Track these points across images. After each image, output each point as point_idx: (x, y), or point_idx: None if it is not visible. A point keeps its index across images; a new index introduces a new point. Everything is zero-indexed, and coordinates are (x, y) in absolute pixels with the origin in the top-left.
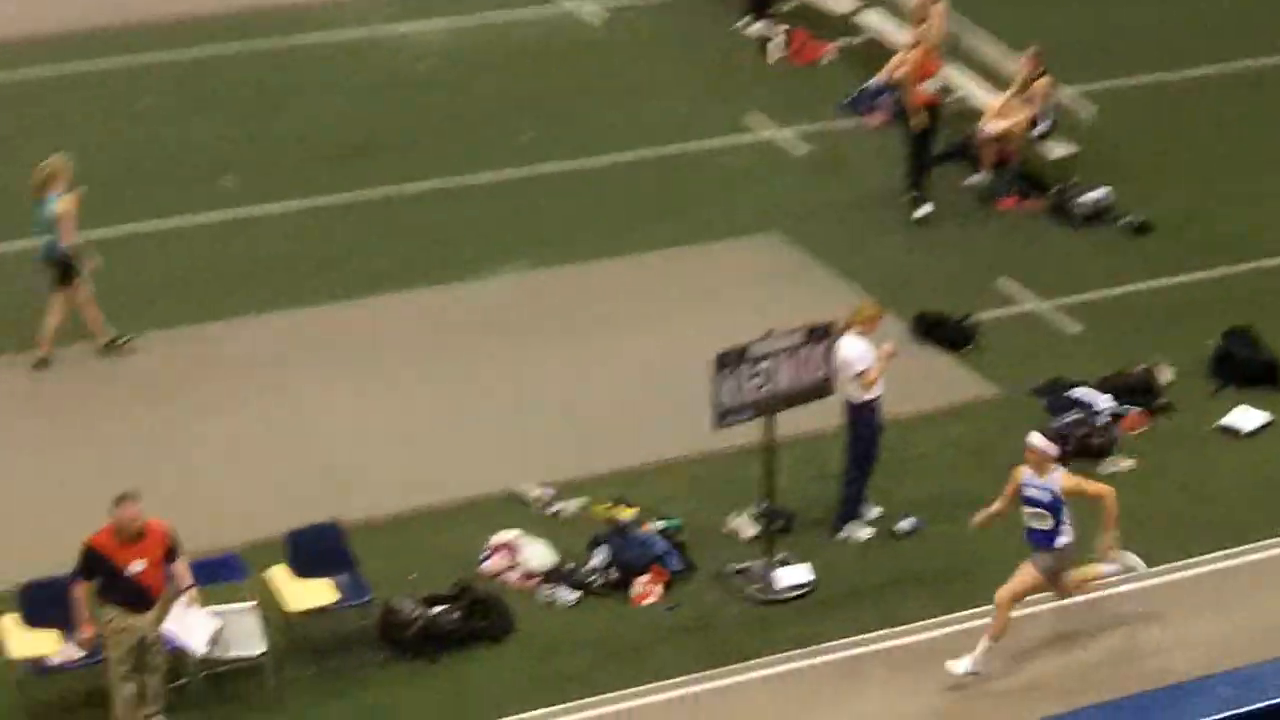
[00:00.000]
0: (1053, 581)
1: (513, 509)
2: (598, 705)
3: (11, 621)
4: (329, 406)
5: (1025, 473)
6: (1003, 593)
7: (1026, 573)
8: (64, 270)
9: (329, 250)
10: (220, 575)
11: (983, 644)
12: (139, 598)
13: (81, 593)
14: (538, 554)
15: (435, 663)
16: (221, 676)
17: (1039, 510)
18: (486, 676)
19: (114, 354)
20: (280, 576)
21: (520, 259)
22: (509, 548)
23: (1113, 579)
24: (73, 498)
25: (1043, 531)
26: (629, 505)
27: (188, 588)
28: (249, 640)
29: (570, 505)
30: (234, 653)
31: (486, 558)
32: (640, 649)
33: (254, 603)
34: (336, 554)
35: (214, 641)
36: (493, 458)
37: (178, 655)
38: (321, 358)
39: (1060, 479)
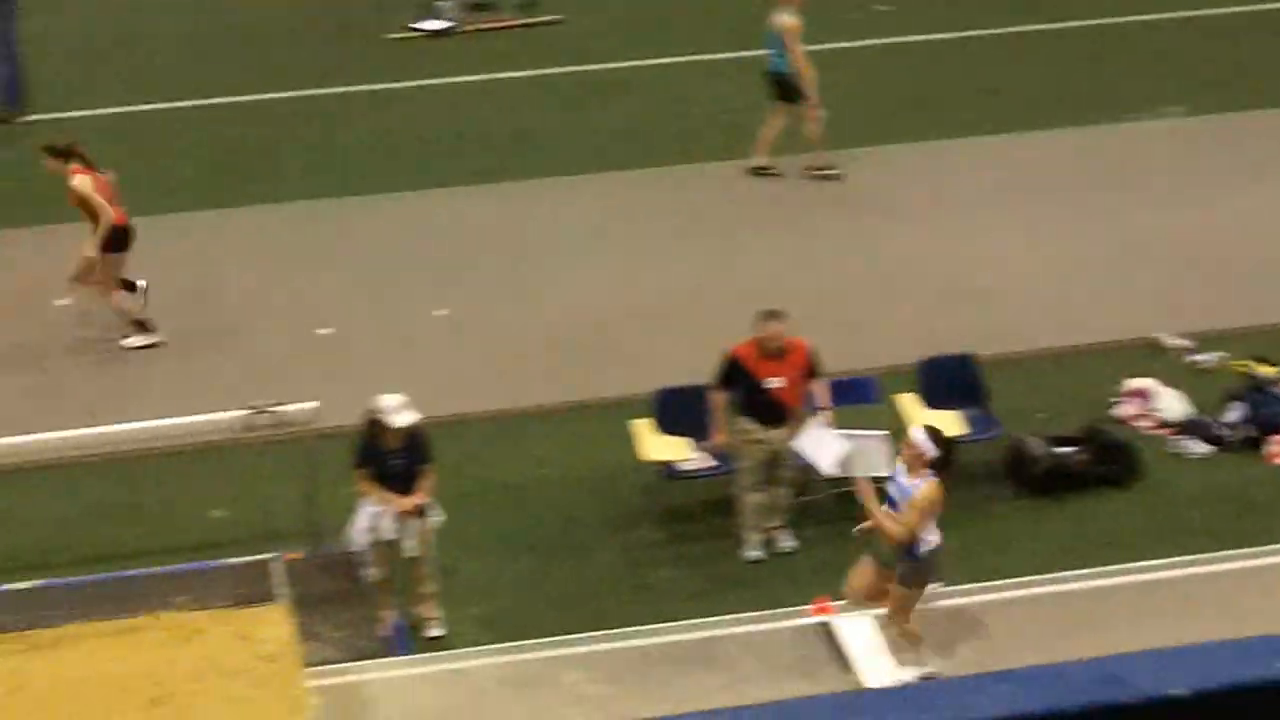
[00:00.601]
0: (905, 587)
1: (1149, 356)
2: (1225, 560)
3: (646, 426)
4: (976, 239)
5: (898, 467)
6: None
7: (865, 571)
8: (782, 86)
9: (987, 80)
10: (854, 397)
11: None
12: (774, 412)
13: (720, 401)
14: (1172, 404)
15: (1059, 502)
16: (847, 496)
17: (892, 512)
18: (1110, 520)
19: (810, 178)
20: (911, 404)
21: (1178, 104)
22: (1143, 395)
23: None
24: (723, 307)
25: None
26: (1270, 363)
27: (823, 408)
28: (877, 464)
29: (1209, 358)
30: (862, 474)
31: (1119, 403)
32: (1273, 509)
33: (885, 431)
34: (969, 386)
35: (843, 462)
36: (1134, 303)
37: (806, 472)
38: (972, 189)
39: (921, 487)
